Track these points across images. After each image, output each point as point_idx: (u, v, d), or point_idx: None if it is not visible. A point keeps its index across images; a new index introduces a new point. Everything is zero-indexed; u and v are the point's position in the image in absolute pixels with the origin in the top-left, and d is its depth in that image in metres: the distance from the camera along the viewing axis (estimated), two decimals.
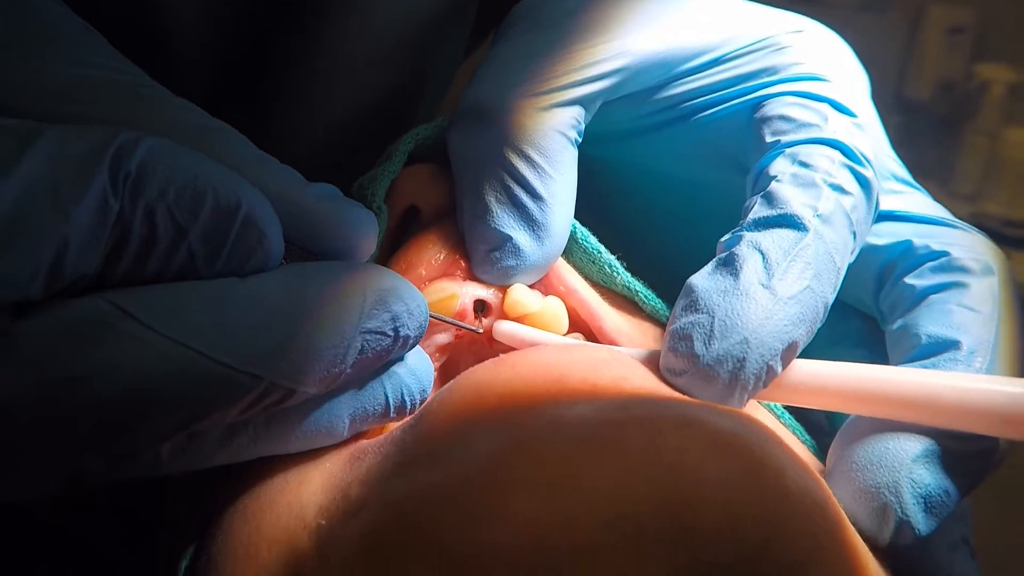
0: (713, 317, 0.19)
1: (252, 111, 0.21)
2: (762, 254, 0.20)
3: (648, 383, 0.19)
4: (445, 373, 0.24)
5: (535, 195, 0.24)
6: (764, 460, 0.15)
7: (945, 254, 0.22)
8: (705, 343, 0.19)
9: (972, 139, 1.47)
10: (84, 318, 0.15)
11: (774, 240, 0.20)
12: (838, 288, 0.20)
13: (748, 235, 0.20)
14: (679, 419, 0.15)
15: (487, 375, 0.19)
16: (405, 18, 0.32)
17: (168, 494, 0.29)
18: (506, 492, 0.14)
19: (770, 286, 0.19)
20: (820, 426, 0.25)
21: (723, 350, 0.18)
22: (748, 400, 0.19)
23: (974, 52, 1.48)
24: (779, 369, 0.19)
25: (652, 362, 0.20)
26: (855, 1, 1.44)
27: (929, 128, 1.53)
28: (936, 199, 0.25)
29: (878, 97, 0.27)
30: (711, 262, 0.21)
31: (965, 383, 0.18)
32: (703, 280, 0.20)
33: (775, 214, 0.20)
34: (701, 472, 0.14)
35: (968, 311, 0.21)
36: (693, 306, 0.19)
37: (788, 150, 0.22)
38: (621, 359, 0.20)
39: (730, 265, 0.20)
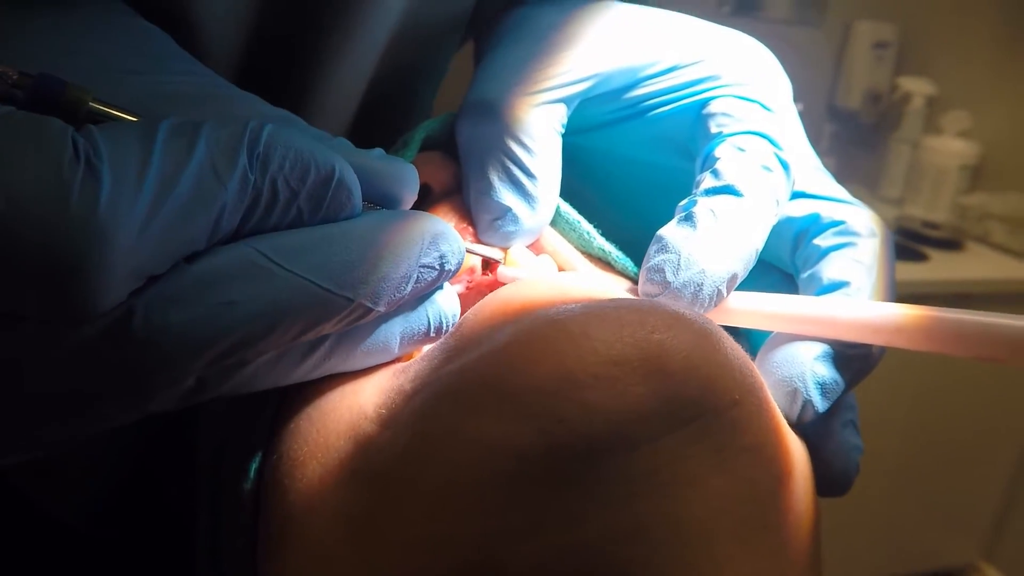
0: (679, 255, 0.25)
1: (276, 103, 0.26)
2: (713, 212, 0.26)
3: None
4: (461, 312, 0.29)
5: (529, 174, 0.29)
6: (711, 331, 0.21)
7: (843, 223, 0.29)
8: (674, 273, 0.24)
9: (896, 147, 1.58)
10: (235, 259, 0.19)
11: (721, 203, 0.26)
12: (765, 240, 0.27)
13: (702, 199, 0.26)
14: (657, 305, 0.21)
15: (511, 291, 0.24)
16: (411, 37, 0.37)
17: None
18: (527, 352, 0.20)
19: (719, 234, 0.25)
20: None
21: (687, 277, 0.24)
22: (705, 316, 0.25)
23: (897, 65, 1.59)
24: (725, 294, 0.25)
25: (631, 291, 0.26)
26: (790, 15, 1.53)
27: (859, 136, 1.63)
28: (866, 204, 0.31)
29: (813, 106, 0.33)
30: (674, 219, 0.26)
31: (851, 307, 0.24)
32: (670, 231, 0.26)
33: (721, 184, 0.27)
34: (670, 336, 0.20)
35: (856, 262, 0.27)
36: (664, 248, 0.25)
37: (729, 139, 0.28)
38: (609, 282, 0.26)
39: (690, 220, 0.26)
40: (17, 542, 0.35)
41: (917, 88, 1.49)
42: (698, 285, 0.24)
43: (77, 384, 0.18)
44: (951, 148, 1.45)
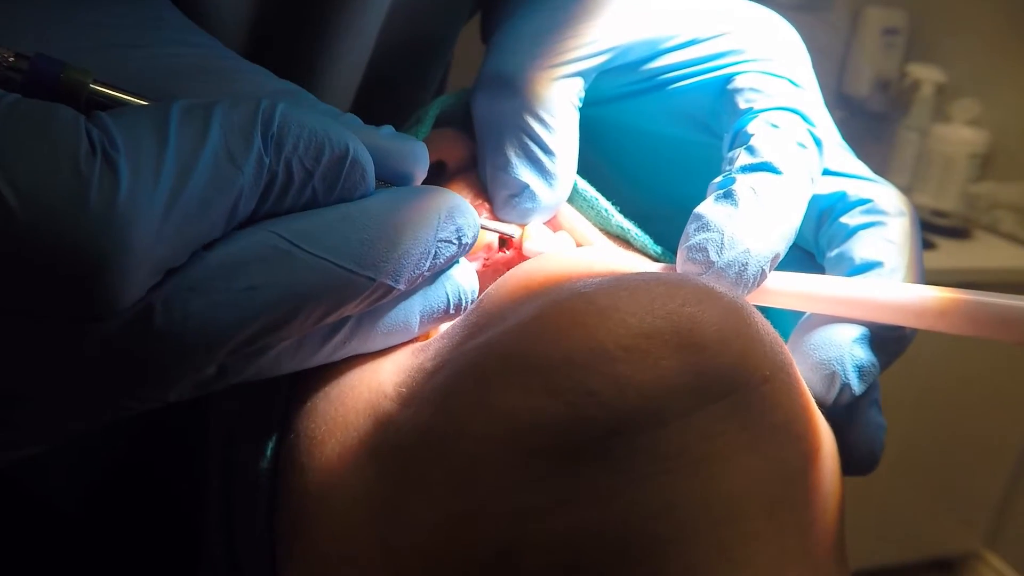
0: (723, 234, 0.24)
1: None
2: (753, 190, 0.25)
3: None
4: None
5: (547, 151, 0.28)
6: (742, 307, 0.20)
7: (870, 201, 0.28)
8: (718, 252, 0.24)
9: (904, 135, 1.56)
10: (253, 244, 0.19)
11: (760, 180, 0.25)
12: (802, 217, 0.26)
13: (740, 176, 0.25)
14: (685, 278, 0.20)
15: (534, 264, 0.23)
16: (419, 7, 0.36)
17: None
18: (554, 326, 0.19)
19: (761, 213, 0.24)
20: None
21: (731, 257, 0.24)
22: (744, 297, 0.24)
23: (907, 52, 1.57)
24: (768, 273, 0.24)
25: (663, 269, 0.25)
26: (798, 1, 1.51)
27: (868, 123, 1.61)
28: None
29: (820, 92, 0.32)
30: (711, 196, 0.25)
31: (892, 290, 0.24)
32: (710, 209, 0.25)
33: (758, 162, 0.26)
34: (701, 309, 0.19)
35: (888, 242, 0.26)
36: (705, 227, 0.24)
37: (761, 115, 0.27)
38: (635, 256, 0.25)
39: (730, 197, 0.25)
40: (7, 526, 0.34)
41: (926, 75, 1.48)
42: (743, 265, 0.24)
43: (98, 379, 0.18)
44: (960, 136, 1.44)
